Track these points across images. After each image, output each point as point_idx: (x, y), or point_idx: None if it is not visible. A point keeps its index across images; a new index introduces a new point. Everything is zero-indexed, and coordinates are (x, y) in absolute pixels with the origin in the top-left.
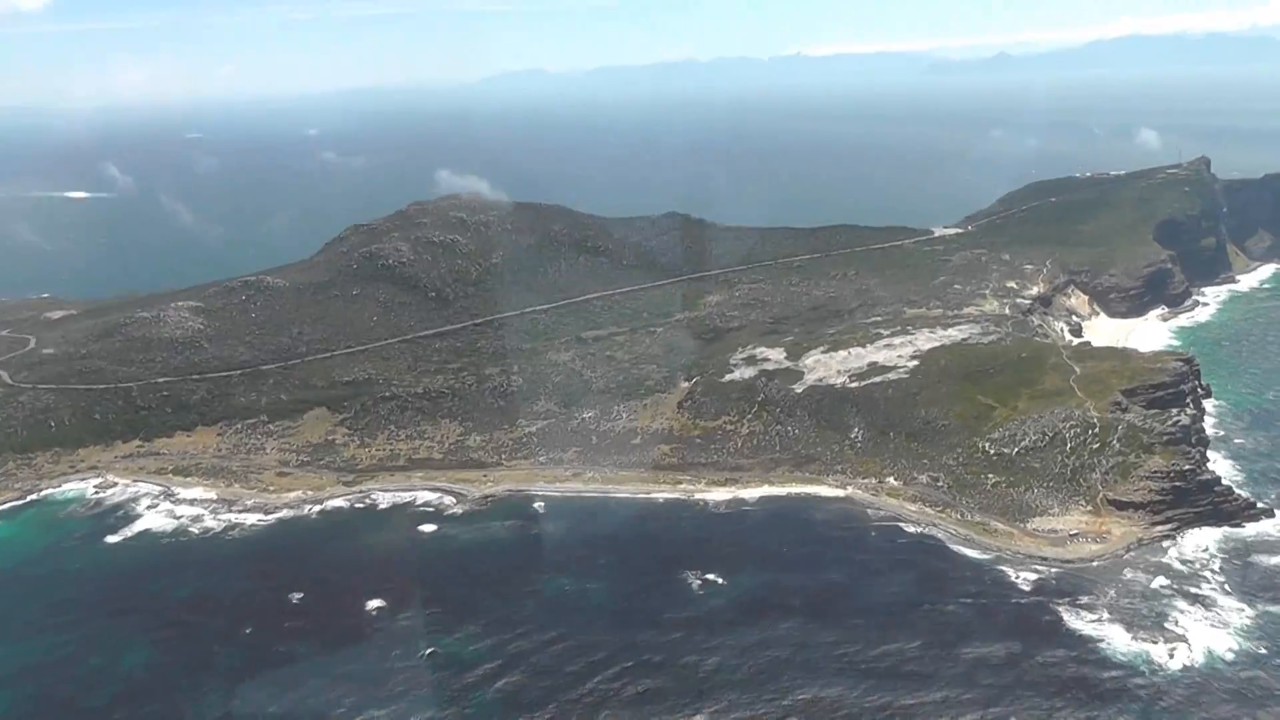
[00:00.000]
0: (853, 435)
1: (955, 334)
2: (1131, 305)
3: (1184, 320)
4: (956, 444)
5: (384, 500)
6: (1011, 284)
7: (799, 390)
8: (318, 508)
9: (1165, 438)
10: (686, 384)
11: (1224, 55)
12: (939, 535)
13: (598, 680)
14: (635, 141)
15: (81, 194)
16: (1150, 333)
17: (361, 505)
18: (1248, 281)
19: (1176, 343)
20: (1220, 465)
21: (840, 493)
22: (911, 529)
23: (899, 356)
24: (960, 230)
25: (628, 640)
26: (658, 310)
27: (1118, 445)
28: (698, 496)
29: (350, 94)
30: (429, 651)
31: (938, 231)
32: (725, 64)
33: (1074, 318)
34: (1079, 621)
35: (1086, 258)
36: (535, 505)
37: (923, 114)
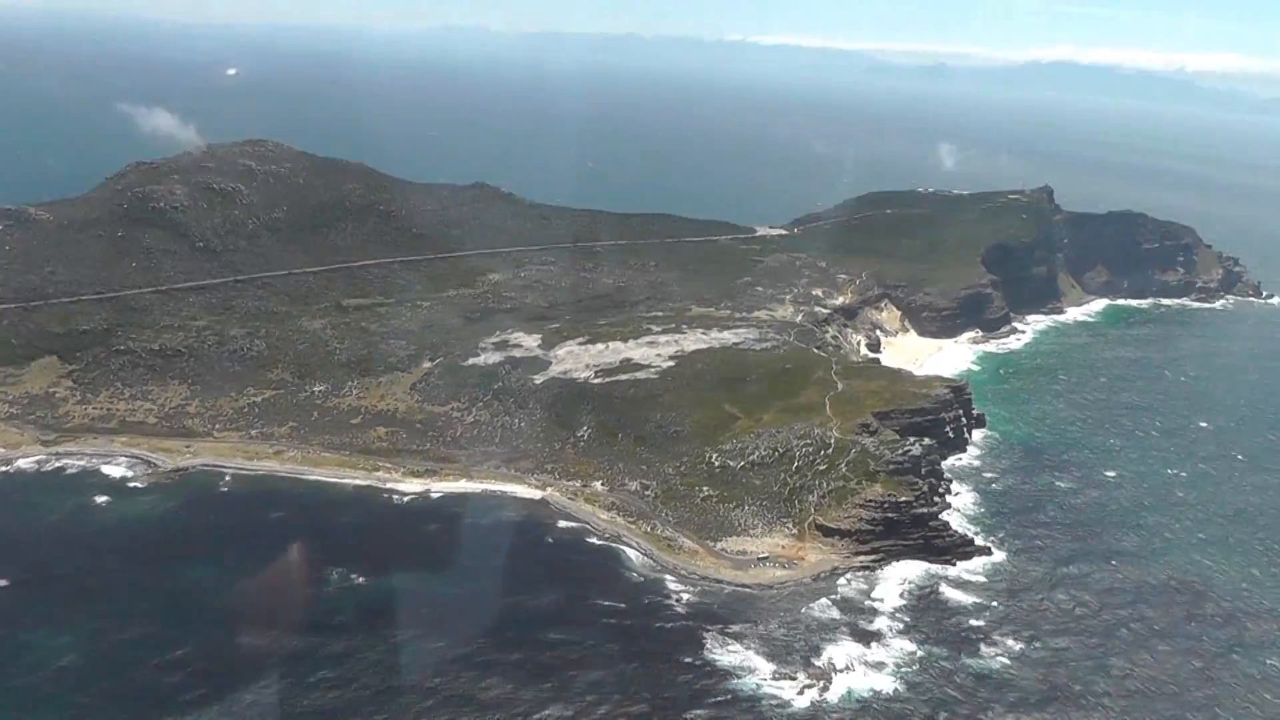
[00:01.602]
0: (579, 434)
1: (729, 338)
2: (943, 325)
3: (993, 346)
4: (685, 452)
5: (75, 465)
6: (818, 291)
7: (539, 381)
8: (1, 468)
9: (891, 466)
10: (429, 364)
11: (1150, 93)
12: (620, 548)
13: (160, 679)
14: (522, 110)
15: None
16: (953, 355)
17: (49, 469)
18: (1075, 314)
19: (975, 368)
20: (963, 498)
21: (537, 494)
22: (595, 540)
23: (657, 355)
24: (785, 232)
25: (223, 642)
26: (433, 283)
27: (844, 469)
28: (390, 486)
29: (285, 29)
30: None
31: (760, 231)
32: (668, 42)
33: (878, 332)
34: (719, 650)
35: (907, 273)
36: (221, 484)
37: (833, 113)
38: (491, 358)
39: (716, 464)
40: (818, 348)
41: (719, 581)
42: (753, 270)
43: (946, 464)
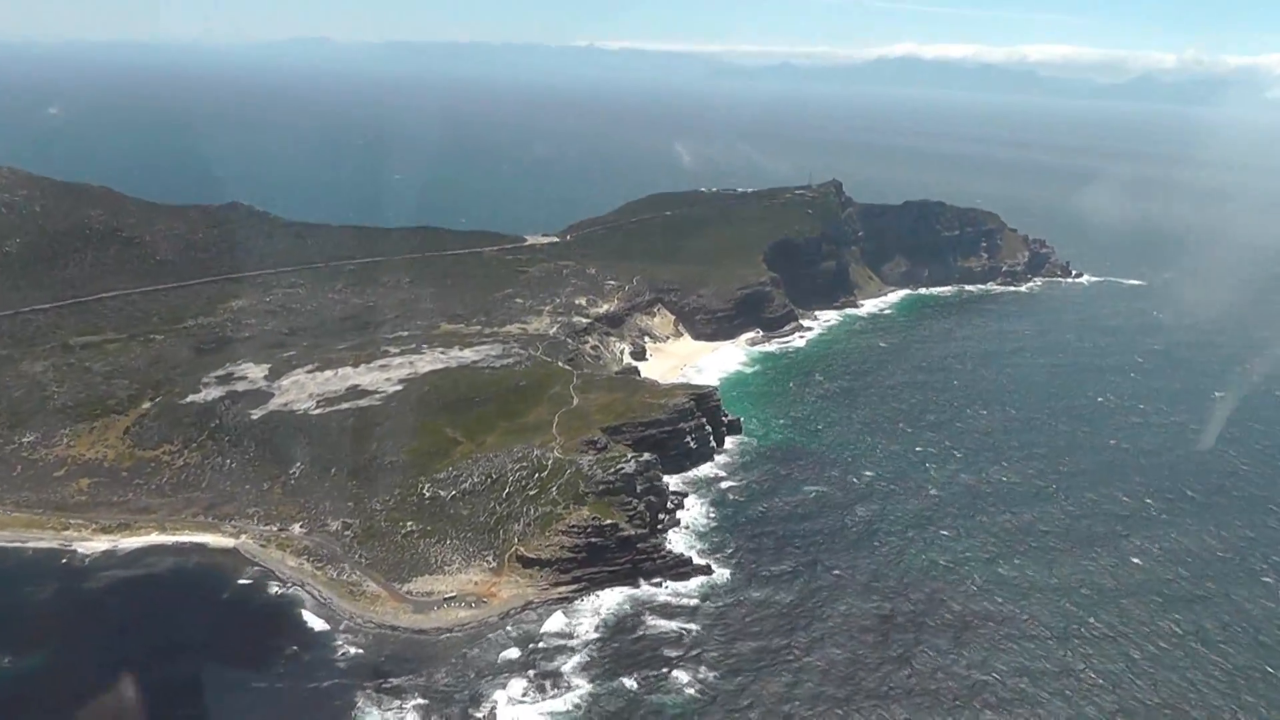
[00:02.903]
0: (291, 471)
1: (469, 356)
2: (719, 327)
3: (773, 345)
4: (397, 484)
5: None
6: (582, 300)
7: (256, 416)
8: None
9: (602, 487)
10: (148, 404)
11: (991, 84)
12: (302, 597)
13: None
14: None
15: None
16: (726, 357)
17: None
18: (870, 306)
19: (747, 369)
20: (694, 513)
21: (229, 543)
22: (276, 589)
23: (387, 380)
24: (556, 240)
25: None
26: (172, 314)
27: (555, 493)
28: (75, 546)
29: (120, 47)
30: None
31: (530, 240)
32: (514, 49)
33: (647, 339)
34: (370, 711)
35: (680, 276)
36: None
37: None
38: (213, 393)
39: (427, 495)
40: (569, 360)
41: (394, 629)
42: (515, 281)
43: (687, 476)
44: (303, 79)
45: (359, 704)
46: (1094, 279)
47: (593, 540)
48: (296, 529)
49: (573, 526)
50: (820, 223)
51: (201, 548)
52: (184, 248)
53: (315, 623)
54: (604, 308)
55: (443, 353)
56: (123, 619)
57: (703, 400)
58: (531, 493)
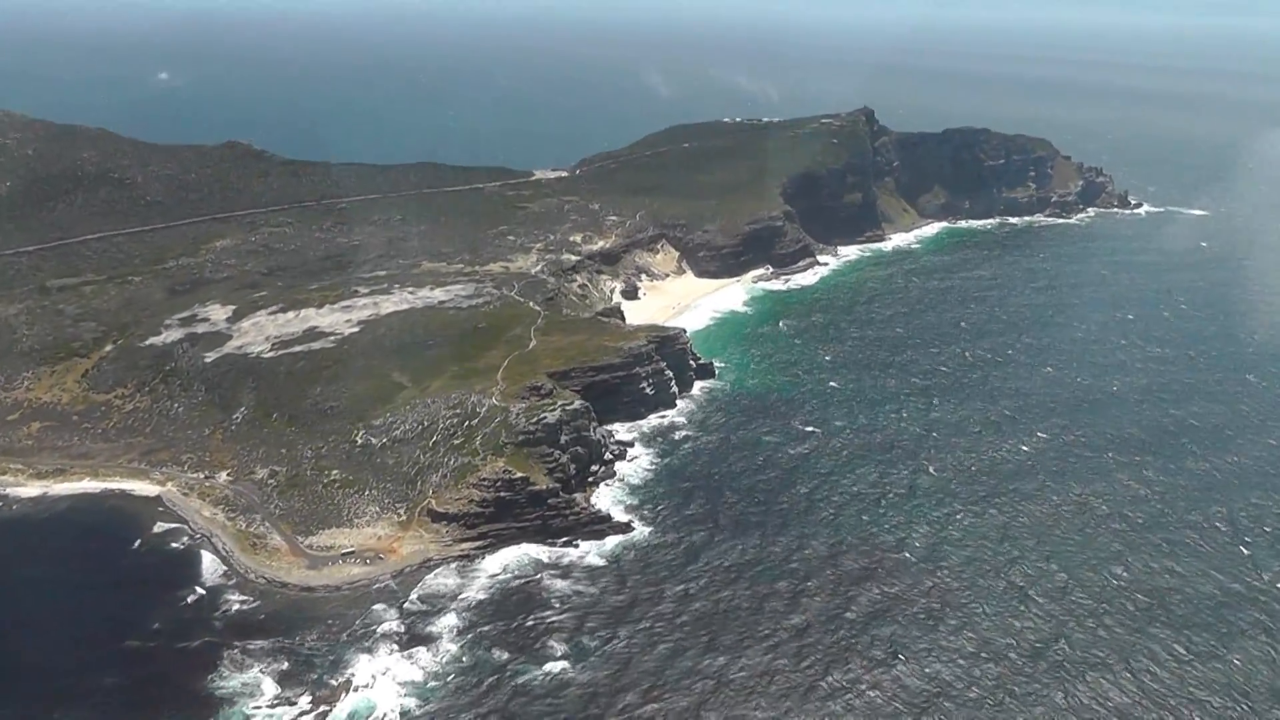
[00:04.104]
0: (235, 416)
1: (438, 295)
2: (724, 265)
3: (780, 283)
4: (333, 430)
5: None
6: (577, 237)
7: (210, 359)
8: None
9: (522, 437)
10: (110, 347)
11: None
12: (205, 550)
13: None
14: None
15: None
16: (726, 296)
17: None
18: (900, 240)
19: (744, 309)
20: (636, 465)
21: (154, 490)
22: (180, 544)
23: (347, 321)
24: (565, 174)
25: None
26: (154, 255)
27: (478, 443)
28: (8, 491)
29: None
30: None
31: (538, 175)
32: None
33: (644, 277)
34: (230, 674)
35: (689, 211)
36: None
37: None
38: (173, 335)
39: (359, 443)
40: (548, 300)
41: (284, 585)
42: (512, 218)
43: (642, 424)
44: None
45: (221, 667)
46: (1153, 209)
47: (502, 494)
48: (223, 477)
49: (483, 479)
50: (846, 153)
51: (127, 495)
52: (175, 188)
53: (211, 577)
54: (599, 244)
55: (411, 293)
56: (18, 566)
57: (667, 343)
58: (457, 442)
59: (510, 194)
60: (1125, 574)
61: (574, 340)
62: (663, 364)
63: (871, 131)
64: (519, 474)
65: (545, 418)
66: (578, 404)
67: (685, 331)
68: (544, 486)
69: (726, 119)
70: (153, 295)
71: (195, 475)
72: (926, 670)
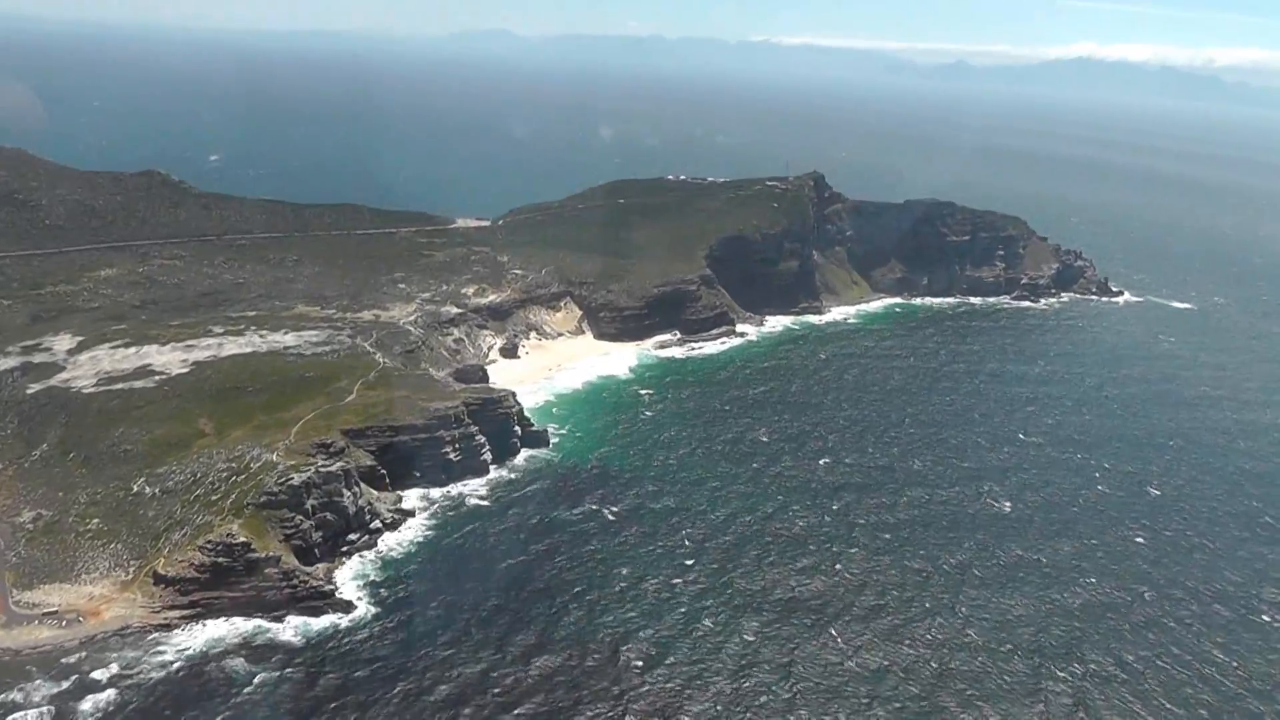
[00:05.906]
0: (34, 453)
1: (287, 340)
2: (625, 327)
3: (681, 351)
4: (119, 475)
5: None
6: (470, 290)
7: (31, 391)
8: None
9: (265, 498)
10: None
11: (1173, 89)
12: None
13: None
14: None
15: None
16: (611, 361)
17: None
18: (837, 314)
19: (625, 375)
20: (404, 535)
21: None
22: None
23: (182, 361)
24: (487, 224)
25: None
26: (34, 280)
27: (229, 501)
28: None
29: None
30: None
31: (460, 223)
32: (692, 43)
33: (533, 334)
34: None
35: (602, 269)
36: None
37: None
38: (8, 363)
39: (134, 490)
40: (408, 352)
41: None
42: (413, 266)
43: (441, 491)
44: (490, 69)
45: None
46: (1133, 298)
47: (219, 560)
48: None
49: (208, 542)
50: (786, 218)
51: None
52: (79, 214)
53: None
54: (490, 298)
55: (262, 336)
56: None
57: (487, 406)
58: (215, 498)
59: (421, 241)
60: None
61: (392, 396)
62: (474, 428)
63: (821, 197)
64: (241, 538)
65: (292, 479)
66: (336, 466)
67: (514, 395)
68: (264, 554)
69: (670, 176)
70: (15, 320)
71: None
72: None
